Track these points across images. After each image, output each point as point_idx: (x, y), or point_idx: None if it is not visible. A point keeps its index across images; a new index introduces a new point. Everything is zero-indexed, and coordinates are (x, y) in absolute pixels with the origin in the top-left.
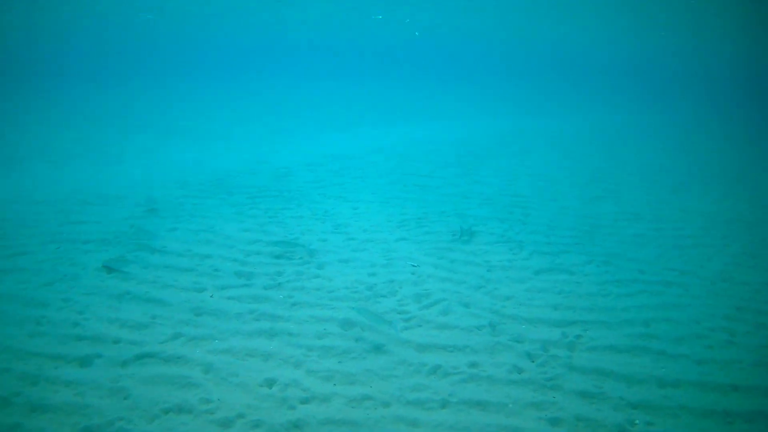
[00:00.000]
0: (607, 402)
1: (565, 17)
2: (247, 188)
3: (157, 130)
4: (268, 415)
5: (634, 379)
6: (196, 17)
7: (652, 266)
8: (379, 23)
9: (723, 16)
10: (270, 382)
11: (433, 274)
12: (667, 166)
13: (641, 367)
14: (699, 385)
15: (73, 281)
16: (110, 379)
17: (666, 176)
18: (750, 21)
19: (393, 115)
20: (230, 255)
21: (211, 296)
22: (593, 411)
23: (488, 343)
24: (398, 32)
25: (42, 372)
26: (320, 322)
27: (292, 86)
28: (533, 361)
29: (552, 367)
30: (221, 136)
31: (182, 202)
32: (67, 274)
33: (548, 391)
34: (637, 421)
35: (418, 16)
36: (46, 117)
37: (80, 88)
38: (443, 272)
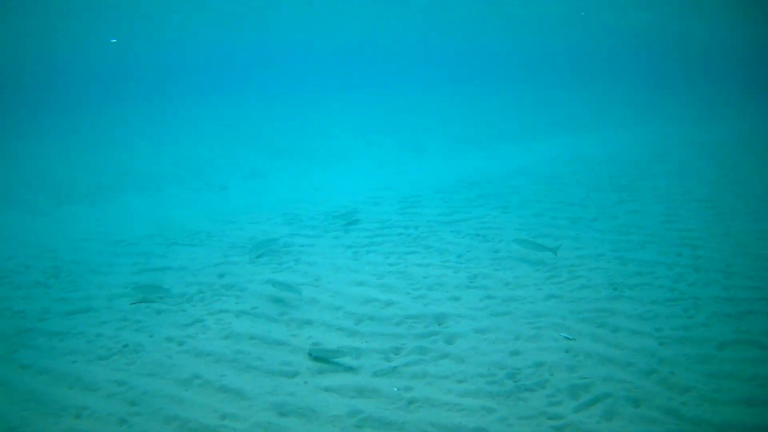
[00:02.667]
0: None
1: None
2: (368, 224)
3: (266, 150)
4: None
5: None
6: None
7: None
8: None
9: None
10: None
11: (592, 350)
12: None
13: None
14: None
15: (135, 355)
16: None
17: None
18: None
19: (534, 128)
20: (336, 321)
21: (305, 383)
22: None
23: None
24: (542, 32)
25: None
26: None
27: (419, 96)
28: None
29: None
30: (340, 157)
31: (288, 242)
32: (130, 344)
33: None
34: None
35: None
36: (146, 135)
37: (184, 103)
38: (604, 348)
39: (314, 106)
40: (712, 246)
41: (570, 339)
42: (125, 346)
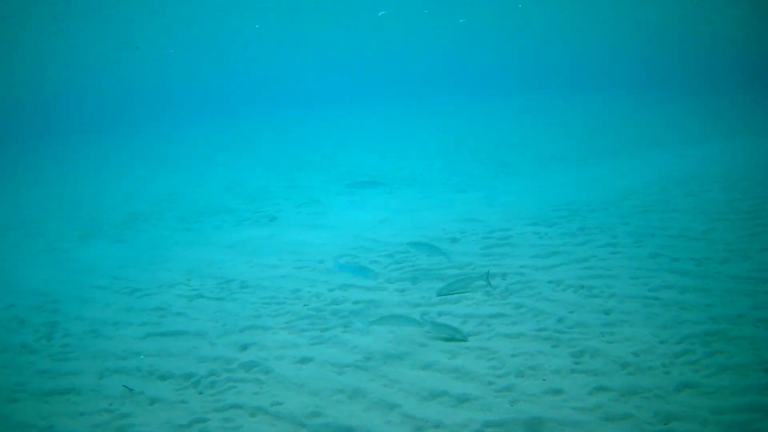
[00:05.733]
0: None
1: None
2: (443, 270)
3: (329, 172)
4: None
5: None
6: None
7: None
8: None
9: None
10: None
11: None
12: None
13: None
14: None
15: None
16: None
17: None
18: None
19: (634, 141)
20: (387, 428)
21: None
22: None
23: None
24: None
25: None
26: None
27: (500, 107)
28: None
29: None
30: (411, 181)
31: (339, 298)
32: None
33: None
34: None
35: None
36: (197, 156)
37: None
38: None
39: (388, 120)
40: None
41: None
42: None
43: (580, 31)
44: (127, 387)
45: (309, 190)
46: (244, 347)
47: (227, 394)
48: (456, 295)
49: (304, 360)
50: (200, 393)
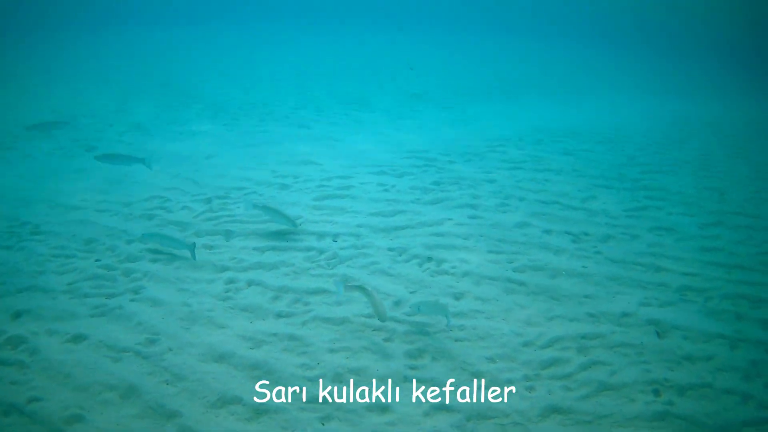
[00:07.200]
0: None
1: None
2: (263, 224)
3: (176, 97)
4: None
5: None
6: None
7: None
8: None
9: None
10: None
11: None
12: None
13: None
14: None
15: None
16: None
17: None
18: None
19: (510, 87)
20: None
21: None
22: None
23: None
24: None
25: None
26: None
27: (359, 34)
28: None
29: None
30: (251, 111)
31: (134, 255)
32: None
33: None
34: None
35: None
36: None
37: None
38: None
39: (237, 39)
40: None
41: None
42: None
43: None
44: None
45: (137, 117)
46: (17, 315)
47: None
48: (273, 255)
49: (78, 338)
50: None
